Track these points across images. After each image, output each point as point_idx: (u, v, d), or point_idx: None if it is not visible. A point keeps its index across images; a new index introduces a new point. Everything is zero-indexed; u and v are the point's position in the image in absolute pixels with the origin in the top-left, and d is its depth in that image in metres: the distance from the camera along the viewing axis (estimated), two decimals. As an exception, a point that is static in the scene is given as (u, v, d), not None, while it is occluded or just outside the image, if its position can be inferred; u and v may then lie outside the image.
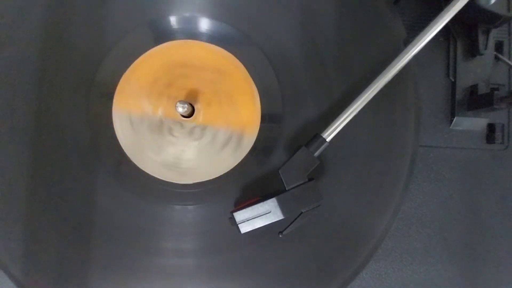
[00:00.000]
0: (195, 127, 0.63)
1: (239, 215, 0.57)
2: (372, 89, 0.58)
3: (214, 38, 0.64)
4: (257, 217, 0.57)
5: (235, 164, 0.63)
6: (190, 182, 0.63)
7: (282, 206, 0.57)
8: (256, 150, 0.63)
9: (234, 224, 0.57)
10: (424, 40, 0.58)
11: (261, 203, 0.57)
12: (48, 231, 0.61)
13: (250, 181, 0.63)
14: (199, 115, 0.63)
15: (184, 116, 0.63)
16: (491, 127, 0.74)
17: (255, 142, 0.63)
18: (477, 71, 0.73)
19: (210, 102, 0.63)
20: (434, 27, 0.58)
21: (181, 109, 0.59)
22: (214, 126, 0.63)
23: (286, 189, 0.57)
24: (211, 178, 0.63)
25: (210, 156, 0.63)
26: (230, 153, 0.63)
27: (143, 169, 0.63)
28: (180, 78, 0.63)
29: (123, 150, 0.63)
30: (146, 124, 0.63)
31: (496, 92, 0.67)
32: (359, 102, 0.58)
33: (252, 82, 0.64)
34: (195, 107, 0.63)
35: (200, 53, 0.64)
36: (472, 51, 0.73)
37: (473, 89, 0.73)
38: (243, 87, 0.64)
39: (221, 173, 0.63)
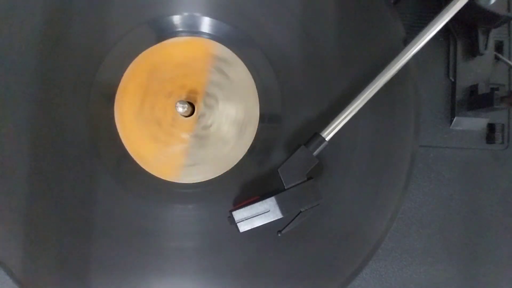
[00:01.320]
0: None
1: (238, 214, 0.57)
2: (372, 88, 0.58)
3: (214, 38, 0.64)
4: (256, 216, 0.57)
5: (235, 163, 0.63)
6: (191, 181, 0.63)
7: (281, 205, 0.57)
8: (255, 150, 0.63)
9: (233, 223, 0.57)
10: (423, 40, 0.58)
11: (260, 202, 0.57)
12: (48, 231, 0.61)
13: (250, 181, 0.63)
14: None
15: (184, 116, 0.63)
16: (491, 127, 0.74)
17: (255, 141, 0.63)
18: (477, 71, 0.73)
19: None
20: (434, 27, 0.58)
21: (181, 109, 0.59)
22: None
23: (285, 188, 0.57)
24: (212, 177, 0.63)
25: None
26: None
27: (145, 168, 0.63)
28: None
29: (125, 149, 0.63)
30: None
31: (496, 92, 0.67)
32: (358, 101, 0.58)
33: (252, 81, 0.64)
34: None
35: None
36: (472, 51, 0.73)
37: (473, 89, 0.73)
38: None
39: (221, 173, 0.63)
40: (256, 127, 0.64)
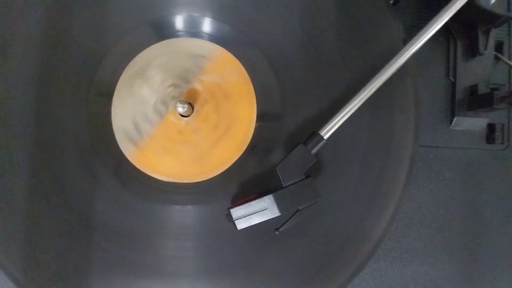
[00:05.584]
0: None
1: (235, 212, 0.57)
2: (370, 87, 0.58)
3: (214, 38, 0.64)
4: (254, 213, 0.57)
5: (234, 163, 0.63)
6: (190, 181, 0.63)
7: (279, 203, 0.56)
8: (254, 149, 0.63)
9: (231, 220, 0.57)
10: (423, 39, 0.58)
11: (258, 200, 0.57)
12: (48, 231, 0.61)
13: (249, 180, 0.63)
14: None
15: (183, 116, 0.63)
16: (491, 127, 0.74)
17: (254, 141, 0.63)
18: (477, 71, 0.74)
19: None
20: (433, 26, 0.58)
21: (181, 109, 0.60)
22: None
23: (283, 186, 0.57)
24: (209, 177, 0.63)
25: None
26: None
27: (142, 170, 0.63)
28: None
29: (121, 150, 0.63)
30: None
31: (496, 92, 0.67)
32: (357, 100, 0.58)
33: (251, 81, 0.64)
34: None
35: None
36: (472, 51, 0.73)
37: (473, 89, 0.73)
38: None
39: (220, 172, 0.63)
40: (255, 126, 0.64)
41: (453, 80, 0.74)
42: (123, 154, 0.63)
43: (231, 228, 0.58)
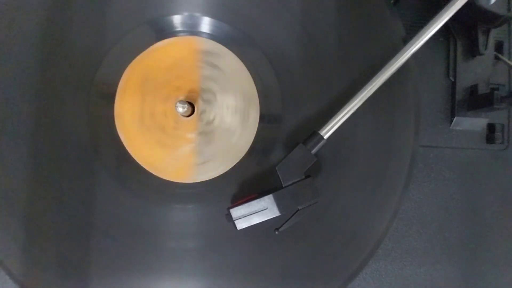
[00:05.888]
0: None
1: (235, 212, 0.57)
2: (370, 87, 0.58)
3: (214, 38, 0.64)
4: (254, 213, 0.57)
5: (234, 163, 0.63)
6: (191, 181, 0.64)
7: (279, 203, 0.57)
8: (255, 150, 0.63)
9: (231, 220, 0.57)
10: (423, 39, 0.58)
11: (258, 200, 0.57)
12: (48, 231, 0.61)
13: (250, 180, 0.63)
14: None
15: (184, 116, 0.63)
16: (491, 127, 0.74)
17: (254, 141, 0.63)
18: (477, 71, 0.73)
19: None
20: (433, 26, 0.58)
21: (181, 109, 0.59)
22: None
23: (283, 186, 0.57)
24: (210, 177, 0.63)
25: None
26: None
27: (145, 167, 0.63)
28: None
29: (125, 149, 0.63)
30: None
31: (496, 92, 0.67)
32: (356, 100, 0.58)
33: (252, 82, 0.64)
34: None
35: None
36: (472, 51, 0.73)
37: (473, 89, 0.72)
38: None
39: (221, 173, 0.63)
40: (256, 127, 0.64)
41: (453, 80, 0.74)
42: (124, 154, 0.63)
43: (231, 228, 0.58)
